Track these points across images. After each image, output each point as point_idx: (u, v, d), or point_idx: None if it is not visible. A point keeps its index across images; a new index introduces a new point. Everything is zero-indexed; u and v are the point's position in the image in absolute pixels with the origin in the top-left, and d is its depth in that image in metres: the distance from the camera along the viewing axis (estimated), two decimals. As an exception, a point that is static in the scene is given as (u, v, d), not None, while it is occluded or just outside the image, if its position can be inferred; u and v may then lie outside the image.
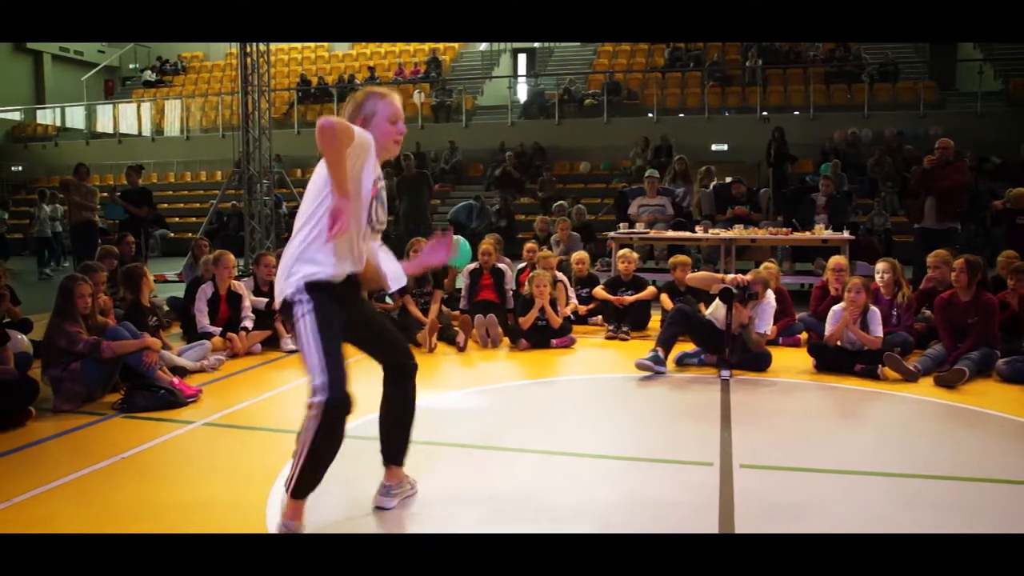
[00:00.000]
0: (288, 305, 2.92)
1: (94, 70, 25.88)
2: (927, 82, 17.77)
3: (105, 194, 11.66)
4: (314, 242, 2.88)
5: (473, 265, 7.58)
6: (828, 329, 5.92)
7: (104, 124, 23.49)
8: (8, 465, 3.90)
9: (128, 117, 23.32)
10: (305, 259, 2.89)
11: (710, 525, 3.14)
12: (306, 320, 2.87)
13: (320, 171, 2.87)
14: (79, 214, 11.00)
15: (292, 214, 15.41)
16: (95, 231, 11.02)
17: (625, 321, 7.35)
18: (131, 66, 27.40)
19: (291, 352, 6.68)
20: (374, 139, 2.93)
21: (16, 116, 24.49)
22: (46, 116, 24.54)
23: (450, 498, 3.45)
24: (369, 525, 3.15)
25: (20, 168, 23.37)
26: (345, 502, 3.36)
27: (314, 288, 2.88)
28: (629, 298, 7.51)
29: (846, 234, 8.77)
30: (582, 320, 7.70)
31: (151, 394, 4.91)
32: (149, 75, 25.84)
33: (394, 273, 3.14)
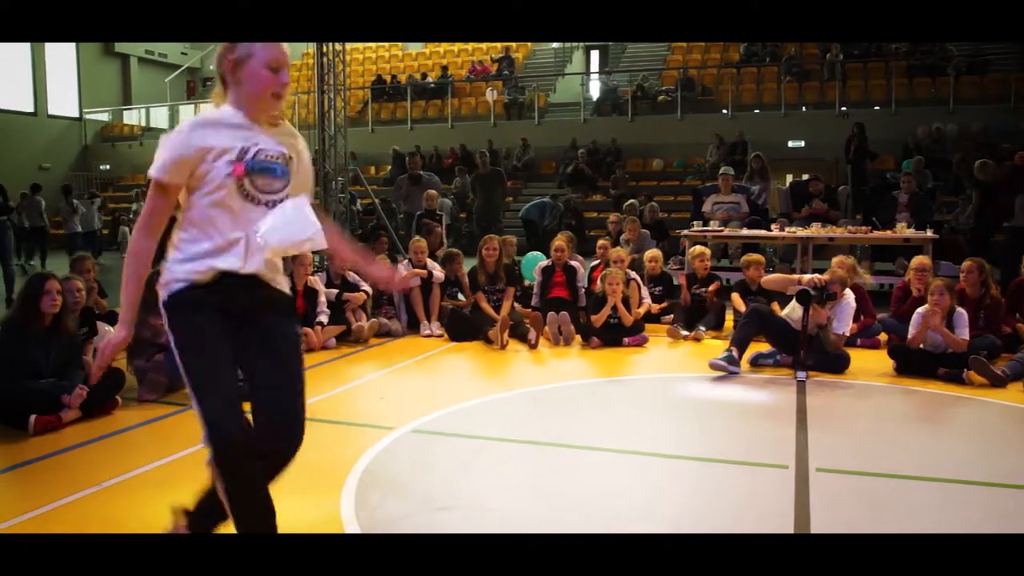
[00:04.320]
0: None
1: (177, 71, 26.70)
2: (1018, 74, 17.05)
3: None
4: (179, 245, 2.44)
5: (545, 262, 7.59)
6: (911, 332, 5.74)
7: (186, 124, 24.20)
8: (98, 452, 4.06)
9: (209, 117, 23.96)
10: (169, 265, 2.44)
11: (785, 529, 3.08)
12: (173, 342, 2.42)
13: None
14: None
15: (366, 211, 15.71)
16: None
17: (701, 321, 7.25)
18: (211, 67, 28.12)
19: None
20: (248, 90, 2.40)
21: (105, 117, 25.44)
22: (132, 117, 25.42)
23: (520, 496, 3.46)
24: (436, 523, 3.17)
25: (107, 167, 24.28)
26: (414, 496, 3.39)
27: (177, 301, 2.40)
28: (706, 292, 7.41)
29: (929, 233, 8.49)
30: (655, 319, 7.63)
31: (231, 386, 5.04)
32: (229, 76, 26.53)
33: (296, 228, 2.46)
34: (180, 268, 2.40)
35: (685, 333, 7.13)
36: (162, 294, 2.42)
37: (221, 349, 2.39)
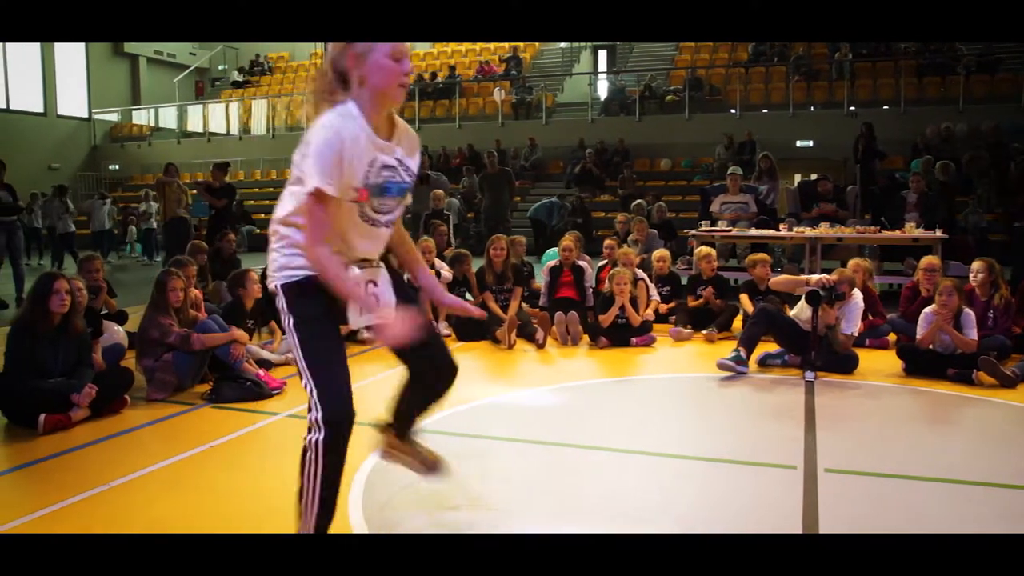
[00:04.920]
0: (276, 297, 2.56)
1: (186, 72, 26.79)
2: (1029, 73, 16.96)
3: (195, 192, 12.06)
4: (299, 230, 2.48)
5: (553, 262, 7.59)
6: (920, 332, 5.71)
7: (194, 124, 24.30)
8: (107, 450, 4.08)
9: (217, 117, 24.07)
10: (288, 257, 2.52)
11: (793, 530, 3.07)
12: (291, 325, 2.50)
13: (295, 165, 2.46)
14: (173, 211, 11.41)
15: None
16: (186, 227, 11.39)
17: (714, 323, 7.21)
18: (220, 67, 28.26)
19: (370, 344, 6.80)
20: (373, 83, 2.39)
21: (114, 117, 25.54)
22: (141, 117, 25.52)
23: (527, 496, 3.46)
24: (443, 523, 3.17)
25: (116, 167, 24.37)
26: (421, 496, 3.39)
27: (298, 287, 2.49)
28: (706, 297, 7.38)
29: (938, 233, 8.46)
30: (663, 319, 7.61)
31: (238, 385, 5.06)
32: (237, 76, 26.61)
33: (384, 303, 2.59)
34: (302, 260, 2.47)
35: (688, 332, 7.11)
36: (280, 278, 2.51)
37: (337, 334, 2.54)
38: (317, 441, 2.42)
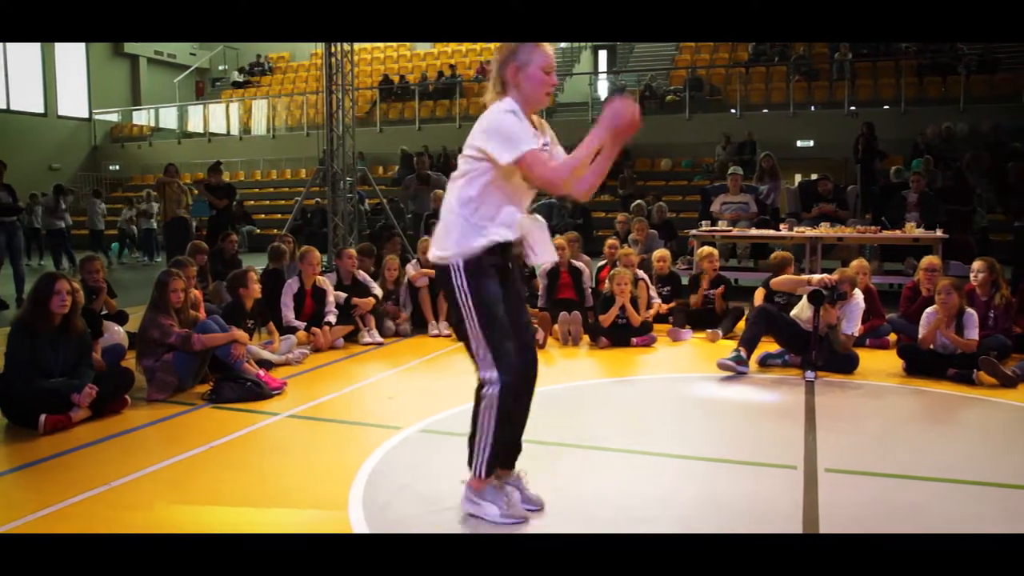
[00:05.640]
0: (446, 271, 2.96)
1: (186, 72, 26.80)
2: (1030, 73, 16.95)
3: (196, 191, 12.08)
4: (477, 211, 2.93)
5: (549, 264, 7.57)
6: (921, 332, 5.72)
7: (195, 124, 24.32)
8: (108, 450, 4.07)
9: (217, 117, 24.09)
10: (470, 228, 2.93)
11: (793, 530, 3.07)
12: (465, 298, 2.94)
13: (472, 145, 2.91)
14: (173, 211, 11.42)
15: (374, 211, 15.74)
16: (186, 227, 11.40)
17: (718, 325, 7.18)
18: (220, 68, 28.28)
19: (374, 345, 6.81)
20: (527, 90, 2.93)
21: (114, 117, 25.55)
22: (141, 117, 25.53)
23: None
24: (445, 523, 3.17)
25: (117, 167, 24.38)
26: (423, 496, 3.39)
27: (472, 268, 2.92)
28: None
29: (939, 232, 8.45)
30: (663, 319, 7.61)
31: (238, 386, 5.06)
32: (237, 76, 26.62)
33: (543, 247, 3.05)
34: (472, 236, 2.92)
35: (688, 332, 7.10)
36: (456, 256, 2.92)
37: (504, 307, 2.99)
38: (494, 393, 2.94)
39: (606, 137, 2.83)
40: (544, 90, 2.97)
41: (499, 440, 3.01)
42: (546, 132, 3.09)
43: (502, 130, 2.84)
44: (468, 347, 3.02)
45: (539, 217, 3.08)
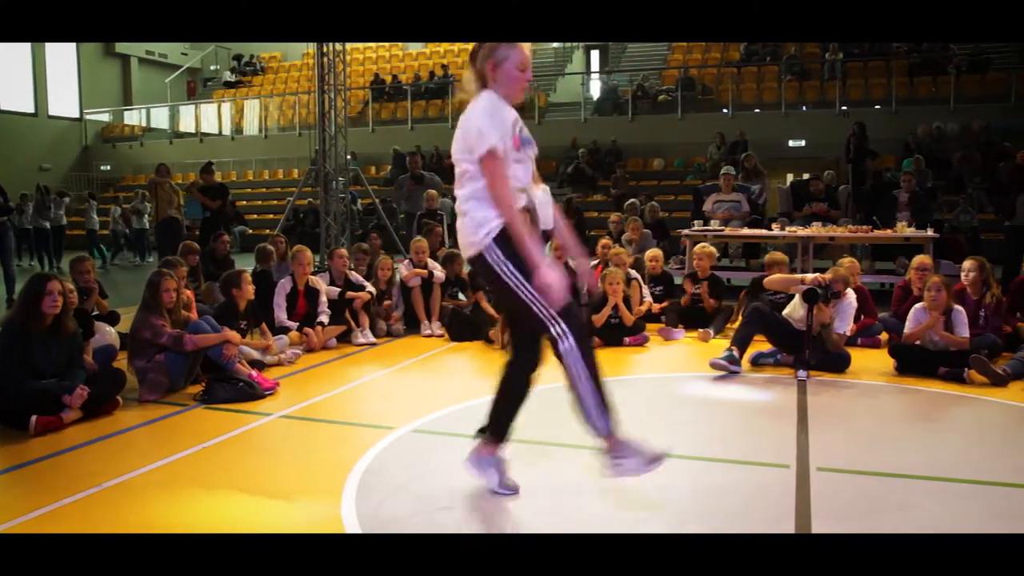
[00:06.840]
0: (482, 259, 3.04)
1: (177, 72, 26.72)
2: (1019, 72, 17.01)
3: (187, 192, 12.05)
4: (487, 194, 3.02)
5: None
6: (908, 328, 5.74)
7: (186, 124, 24.25)
8: (100, 451, 4.06)
9: (209, 117, 24.03)
10: (486, 207, 3.02)
11: (786, 528, 3.07)
12: (508, 269, 3.01)
13: (463, 130, 3.04)
14: (165, 211, 11.39)
15: (367, 211, 15.70)
16: (178, 228, 11.37)
17: (710, 324, 7.19)
18: (212, 67, 28.20)
19: (367, 346, 6.80)
20: (503, 86, 3.06)
21: (105, 117, 25.45)
22: (133, 117, 25.45)
23: (521, 496, 3.45)
24: (437, 523, 3.16)
25: (108, 167, 24.29)
26: (415, 496, 3.39)
27: (503, 239, 3.00)
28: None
29: (930, 232, 8.49)
30: (656, 318, 7.61)
31: (231, 386, 5.04)
32: (229, 76, 26.55)
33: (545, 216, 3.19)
34: (491, 213, 3.01)
35: (680, 331, 7.12)
36: (482, 238, 3.02)
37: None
38: (571, 344, 3.02)
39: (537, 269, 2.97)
40: (519, 86, 3.12)
41: (600, 384, 3.07)
42: (533, 146, 3.22)
43: (481, 128, 2.98)
44: (529, 318, 3.06)
45: (545, 187, 3.23)
